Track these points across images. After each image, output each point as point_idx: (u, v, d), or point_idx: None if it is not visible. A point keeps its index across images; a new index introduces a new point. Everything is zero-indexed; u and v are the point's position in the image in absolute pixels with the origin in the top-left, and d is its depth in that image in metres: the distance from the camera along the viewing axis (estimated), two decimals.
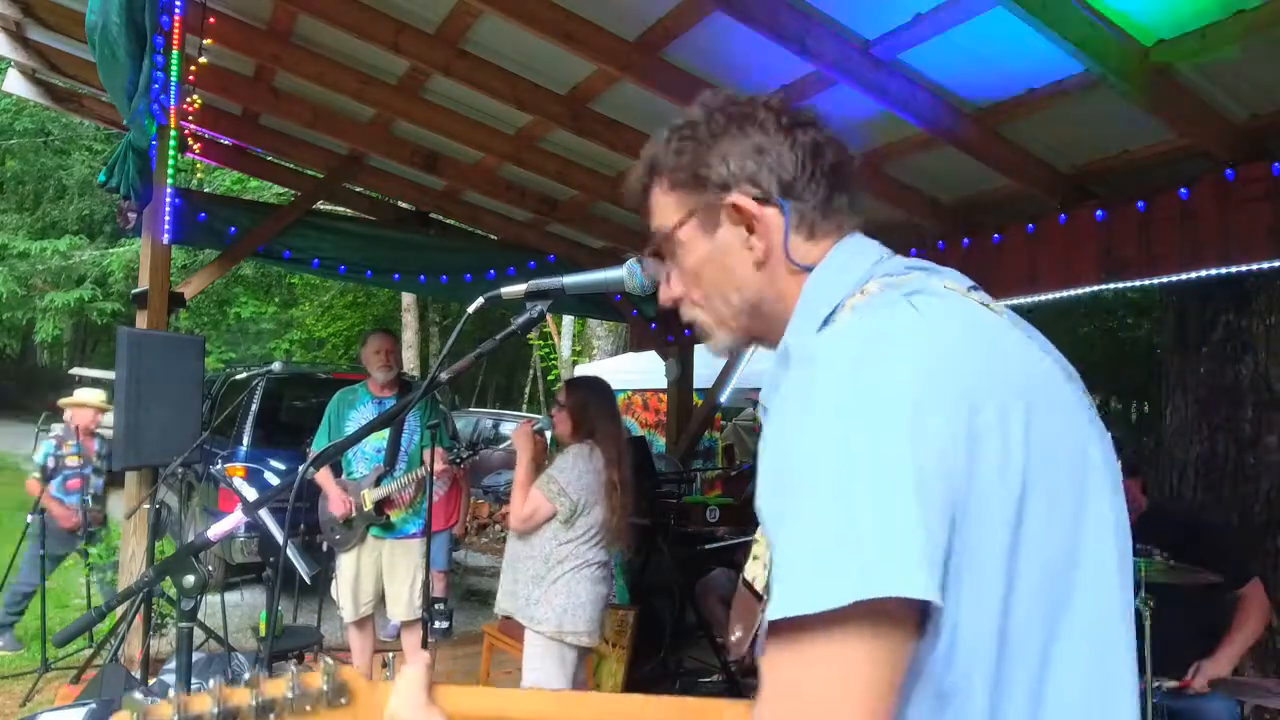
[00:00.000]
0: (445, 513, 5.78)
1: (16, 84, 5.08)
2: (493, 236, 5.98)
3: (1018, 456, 0.71)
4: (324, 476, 4.04)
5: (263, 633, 4.62)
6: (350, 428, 4.07)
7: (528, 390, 20.26)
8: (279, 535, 3.64)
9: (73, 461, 5.10)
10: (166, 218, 4.34)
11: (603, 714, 0.92)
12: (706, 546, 5.04)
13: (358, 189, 5.74)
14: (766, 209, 0.90)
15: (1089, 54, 2.57)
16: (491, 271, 5.77)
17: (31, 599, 4.90)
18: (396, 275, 5.75)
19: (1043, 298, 4.13)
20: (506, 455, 9.58)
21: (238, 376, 8.06)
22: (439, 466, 3.77)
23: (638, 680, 4.42)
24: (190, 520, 6.85)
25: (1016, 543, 0.70)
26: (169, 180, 4.16)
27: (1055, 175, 3.63)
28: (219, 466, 4.57)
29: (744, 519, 5.48)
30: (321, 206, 5.78)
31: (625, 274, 1.32)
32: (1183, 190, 3.24)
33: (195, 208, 4.89)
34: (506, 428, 11.80)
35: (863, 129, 3.52)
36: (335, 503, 4.00)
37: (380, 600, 4.11)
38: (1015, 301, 4.32)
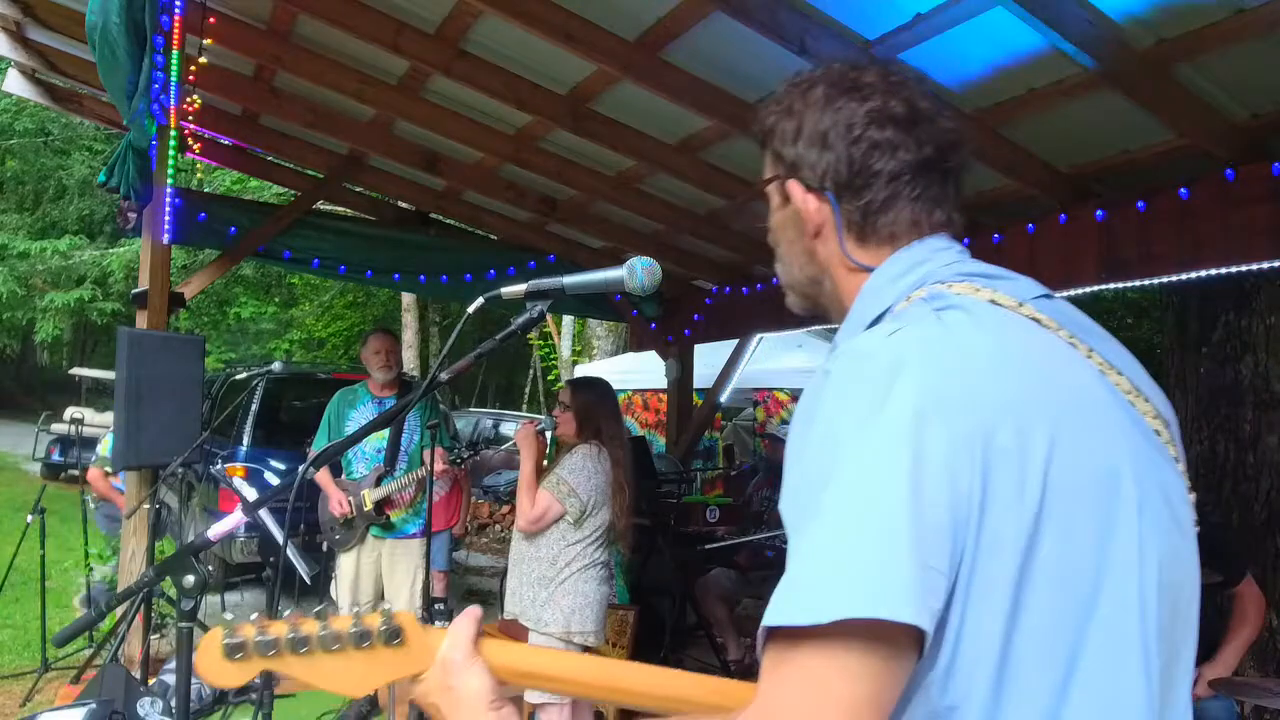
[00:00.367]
0: (445, 513, 5.78)
1: (16, 84, 5.08)
2: (493, 236, 5.98)
3: (1035, 482, 0.69)
4: (324, 476, 4.04)
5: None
6: (350, 428, 4.07)
7: (528, 390, 20.26)
8: (279, 535, 3.64)
9: None
10: (166, 218, 4.34)
11: (642, 684, 0.94)
12: (706, 546, 5.04)
13: (358, 189, 5.73)
14: (819, 203, 0.90)
15: (1089, 54, 2.57)
16: (491, 271, 5.77)
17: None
18: (396, 275, 5.75)
19: None
20: (506, 455, 9.60)
21: (238, 376, 8.06)
22: (439, 466, 3.77)
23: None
24: (190, 520, 6.85)
25: (1027, 570, 0.69)
26: (169, 180, 4.16)
27: (1055, 175, 3.63)
28: (219, 466, 4.57)
29: (744, 519, 5.49)
30: (321, 206, 5.78)
31: (625, 274, 1.32)
32: (1183, 190, 3.24)
33: (195, 208, 4.89)
34: (506, 428, 11.81)
35: None
36: (335, 503, 4.00)
37: (380, 600, 4.11)
38: None
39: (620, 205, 4.96)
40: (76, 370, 16.47)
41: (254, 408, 6.75)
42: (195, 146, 5.14)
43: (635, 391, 9.38)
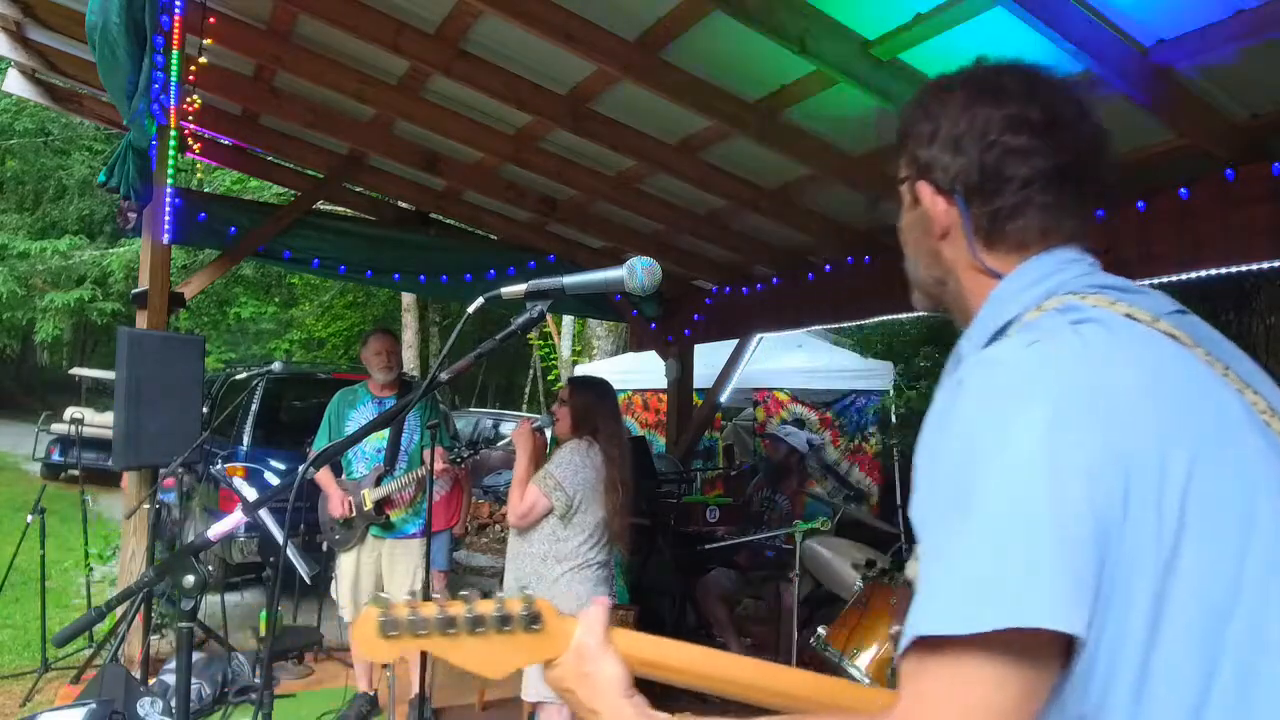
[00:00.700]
0: (446, 513, 5.77)
1: (16, 84, 5.08)
2: (493, 236, 5.98)
3: (1173, 499, 0.70)
4: (324, 476, 4.04)
5: (263, 632, 4.63)
6: (350, 428, 4.07)
7: (528, 390, 20.26)
8: (279, 535, 3.64)
9: None
10: (166, 218, 4.34)
11: (764, 681, 0.96)
12: (706, 546, 5.04)
13: (358, 189, 5.73)
14: (948, 206, 0.90)
15: (1089, 54, 2.57)
16: (491, 271, 5.77)
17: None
18: (396, 275, 5.75)
19: None
20: (506, 455, 9.58)
21: (238, 376, 8.06)
22: (439, 466, 3.77)
23: (637, 680, 4.42)
24: (190, 520, 6.85)
25: (1166, 585, 0.69)
26: (169, 180, 4.16)
27: None
28: (219, 466, 4.56)
29: (744, 519, 5.49)
30: (321, 206, 5.78)
31: (625, 274, 1.32)
32: (1183, 190, 3.24)
33: (195, 208, 4.89)
34: (506, 428, 11.80)
35: (863, 129, 3.52)
36: (335, 503, 4.00)
37: None
38: None
39: (620, 205, 4.96)
40: (76, 370, 16.44)
41: (254, 408, 6.76)
42: (195, 146, 5.14)
43: (635, 391, 9.37)
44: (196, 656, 4.09)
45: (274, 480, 6.35)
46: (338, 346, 18.10)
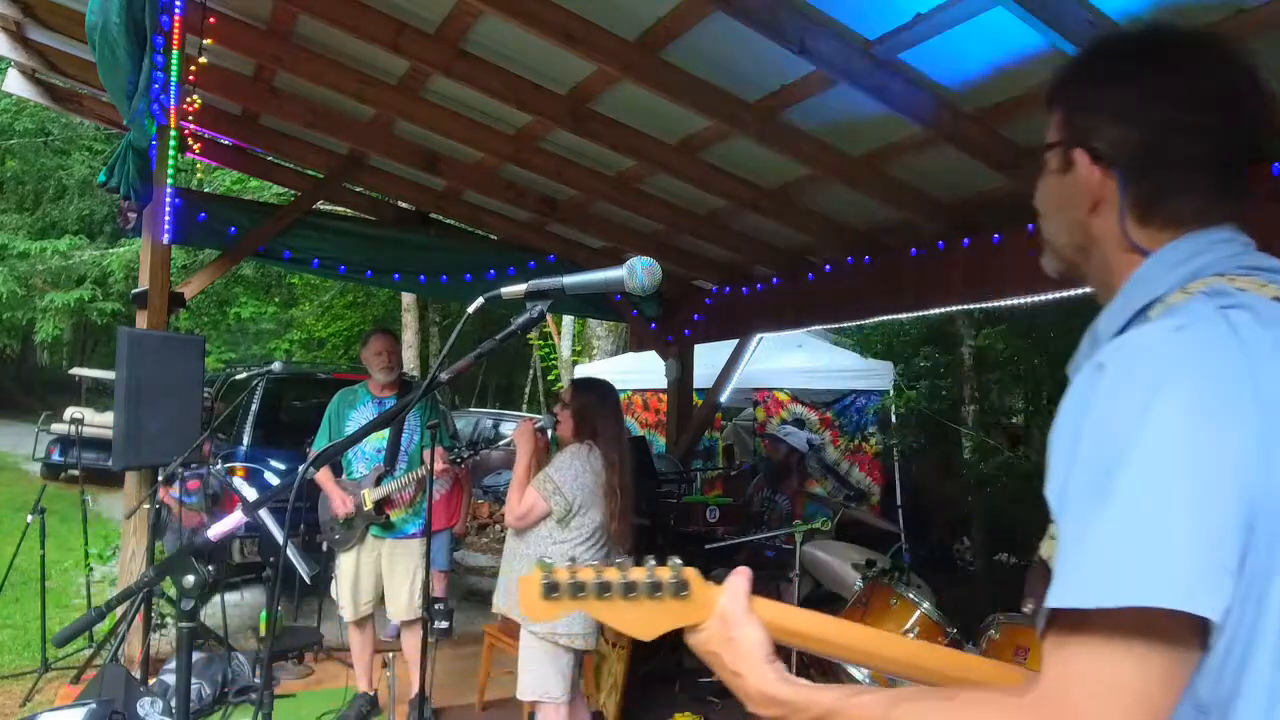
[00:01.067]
0: (446, 512, 5.78)
1: (16, 84, 5.08)
2: (493, 236, 5.98)
3: None
4: (324, 476, 4.04)
5: (263, 632, 4.63)
6: (350, 428, 4.07)
7: (528, 390, 20.26)
8: (279, 535, 3.65)
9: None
10: (166, 218, 4.34)
11: (900, 654, 1.00)
12: (706, 546, 5.04)
13: (358, 189, 5.73)
14: (1104, 177, 0.88)
15: None
16: (491, 271, 5.78)
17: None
18: (396, 275, 5.75)
19: (1043, 298, 4.14)
20: (506, 455, 9.58)
21: (238, 376, 8.07)
22: (440, 466, 3.77)
23: (638, 680, 4.42)
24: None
25: None
26: (169, 180, 4.16)
27: None
28: (219, 466, 4.57)
29: (744, 519, 5.49)
30: (321, 206, 5.78)
31: (625, 274, 1.32)
32: None
33: (195, 208, 4.89)
34: (506, 428, 11.80)
35: (863, 129, 3.53)
36: (335, 502, 4.00)
37: (380, 600, 4.11)
38: (1015, 301, 4.33)
39: (620, 205, 4.96)
40: (76, 370, 16.44)
41: (254, 408, 6.76)
42: (195, 146, 5.14)
43: (635, 391, 9.38)
44: (196, 656, 4.09)
45: (274, 480, 6.35)
46: (338, 346, 18.10)
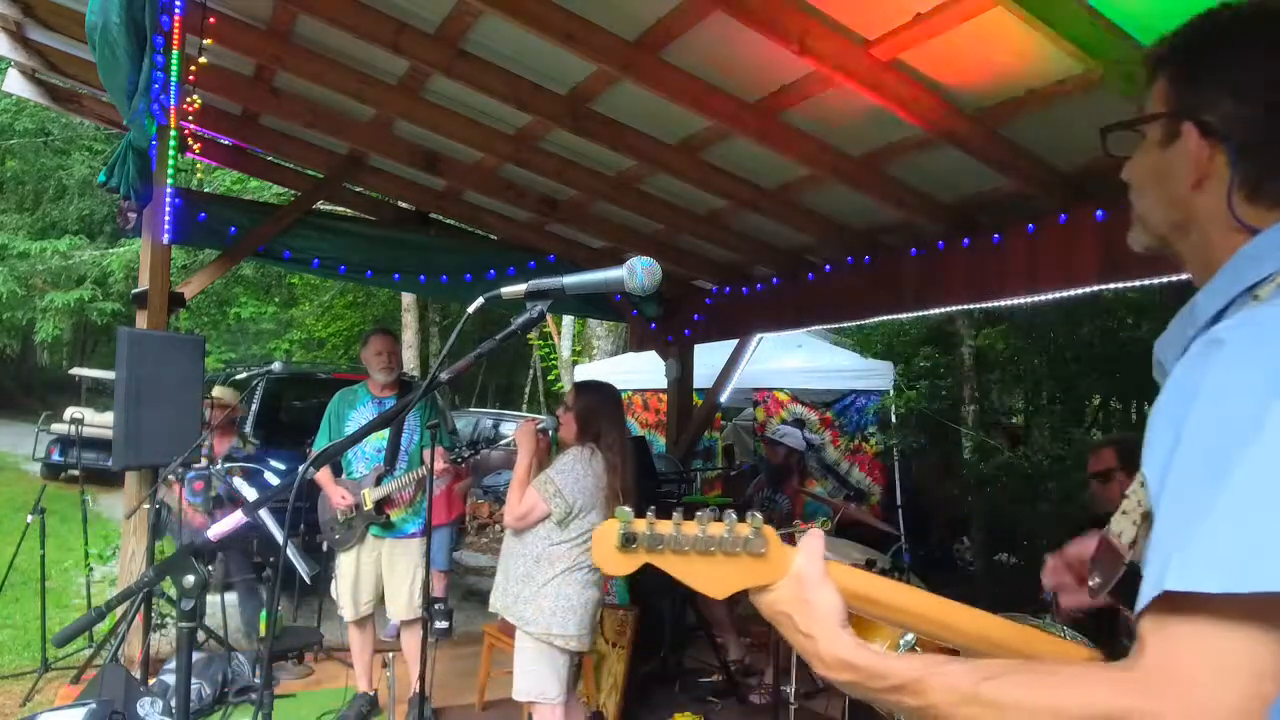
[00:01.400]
0: (447, 505, 5.78)
1: (16, 84, 5.08)
2: (493, 236, 5.98)
3: None
4: (324, 476, 4.05)
5: (263, 632, 4.63)
6: (350, 428, 4.07)
7: (528, 390, 20.26)
8: (279, 535, 3.65)
9: (199, 463, 5.00)
10: (166, 218, 4.34)
11: (973, 627, 0.97)
12: None
13: (358, 189, 5.73)
14: (1214, 152, 0.85)
15: (1089, 54, 2.57)
16: (491, 271, 5.78)
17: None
18: (396, 275, 5.75)
19: (1043, 298, 4.14)
20: (507, 455, 9.58)
21: (238, 376, 8.06)
22: (440, 466, 3.78)
23: (638, 680, 4.42)
24: (190, 521, 6.85)
25: None
26: (169, 180, 4.16)
27: (1055, 175, 3.63)
28: (219, 466, 4.56)
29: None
30: (321, 206, 5.78)
31: (625, 274, 1.32)
32: None
33: (195, 208, 4.89)
34: (506, 428, 11.80)
35: (863, 129, 3.53)
36: (335, 502, 4.01)
37: (380, 600, 4.11)
38: (1015, 301, 4.32)
39: (620, 205, 4.96)
40: (76, 370, 16.44)
41: (254, 408, 6.75)
42: (195, 146, 5.14)
43: (635, 391, 9.38)
44: (196, 656, 4.09)
45: (274, 480, 6.35)
46: (338, 346, 18.10)
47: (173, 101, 3.41)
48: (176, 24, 3.14)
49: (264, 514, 3.64)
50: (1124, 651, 0.74)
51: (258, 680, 4.13)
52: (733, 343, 6.37)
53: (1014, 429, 9.83)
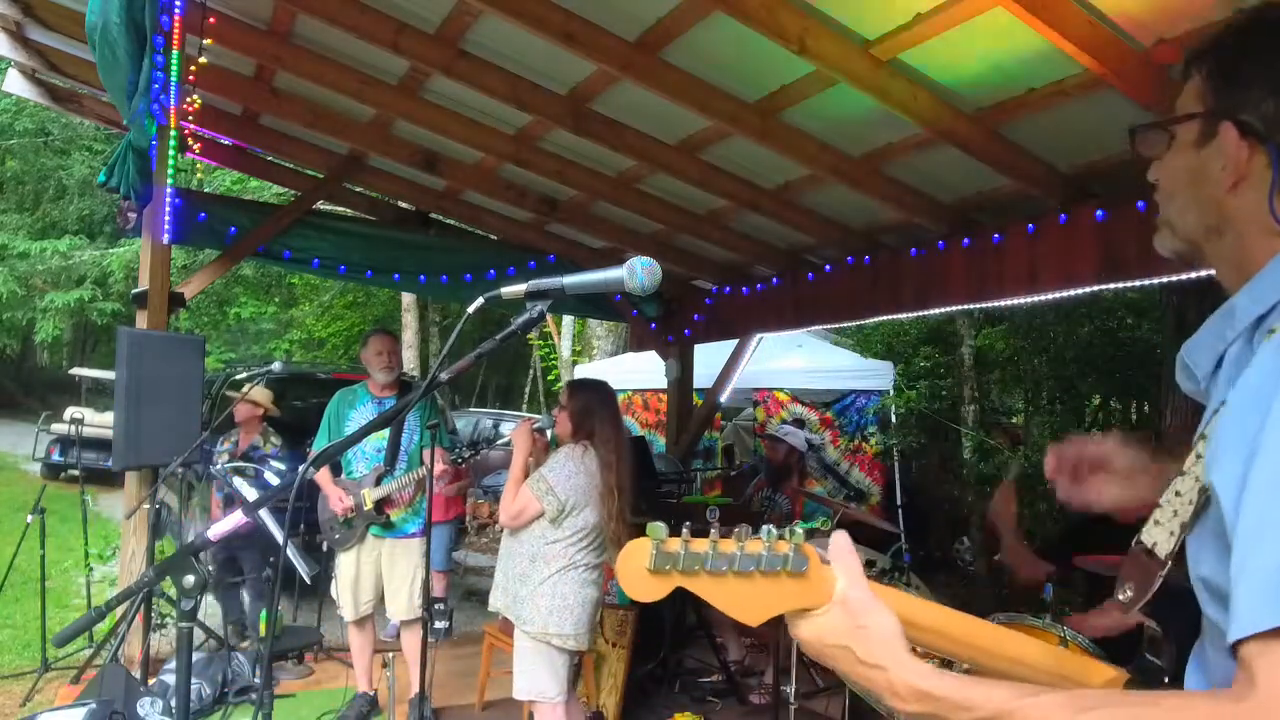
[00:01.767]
0: (447, 502, 5.77)
1: (16, 84, 5.08)
2: (493, 236, 5.98)
3: None
4: (324, 476, 4.05)
5: (263, 633, 4.63)
6: (350, 428, 4.07)
7: (528, 390, 20.25)
8: (279, 535, 3.64)
9: (222, 460, 5.00)
10: (166, 218, 4.34)
11: (1002, 648, 0.92)
12: None
13: (358, 189, 5.73)
14: (1254, 153, 0.83)
15: (1089, 54, 2.57)
16: (491, 271, 5.78)
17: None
18: (396, 275, 5.75)
19: (1043, 298, 4.14)
20: (506, 455, 9.57)
21: (238, 376, 8.05)
22: (440, 466, 3.77)
23: (638, 680, 4.42)
24: (190, 520, 6.85)
25: None
26: (169, 180, 4.16)
27: (1055, 175, 3.63)
28: (219, 466, 4.56)
29: (744, 519, 5.48)
30: (321, 206, 5.78)
31: (625, 274, 1.31)
32: None
33: (195, 208, 4.89)
34: (506, 428, 11.80)
35: (863, 129, 3.53)
36: (333, 499, 4.01)
37: (380, 600, 4.11)
38: (1015, 301, 4.33)
39: (620, 205, 4.96)
40: (76, 370, 16.45)
41: None
42: (195, 146, 5.14)
43: (635, 391, 9.38)
44: (196, 656, 4.09)
45: (274, 480, 6.35)
46: (338, 346, 18.09)
47: (173, 101, 3.41)
48: (176, 24, 3.14)
49: (264, 514, 3.64)
50: (1148, 667, 0.73)
51: (258, 680, 4.13)
52: (733, 343, 6.37)
53: (1014, 429, 9.83)
